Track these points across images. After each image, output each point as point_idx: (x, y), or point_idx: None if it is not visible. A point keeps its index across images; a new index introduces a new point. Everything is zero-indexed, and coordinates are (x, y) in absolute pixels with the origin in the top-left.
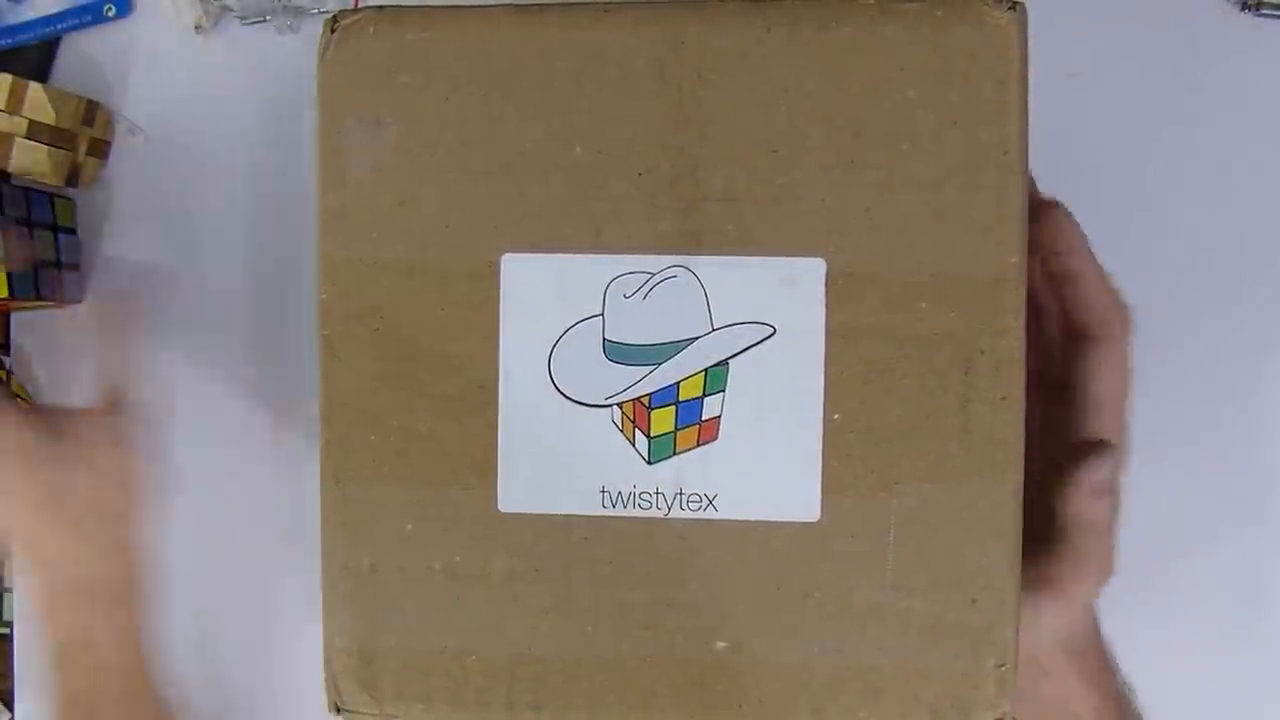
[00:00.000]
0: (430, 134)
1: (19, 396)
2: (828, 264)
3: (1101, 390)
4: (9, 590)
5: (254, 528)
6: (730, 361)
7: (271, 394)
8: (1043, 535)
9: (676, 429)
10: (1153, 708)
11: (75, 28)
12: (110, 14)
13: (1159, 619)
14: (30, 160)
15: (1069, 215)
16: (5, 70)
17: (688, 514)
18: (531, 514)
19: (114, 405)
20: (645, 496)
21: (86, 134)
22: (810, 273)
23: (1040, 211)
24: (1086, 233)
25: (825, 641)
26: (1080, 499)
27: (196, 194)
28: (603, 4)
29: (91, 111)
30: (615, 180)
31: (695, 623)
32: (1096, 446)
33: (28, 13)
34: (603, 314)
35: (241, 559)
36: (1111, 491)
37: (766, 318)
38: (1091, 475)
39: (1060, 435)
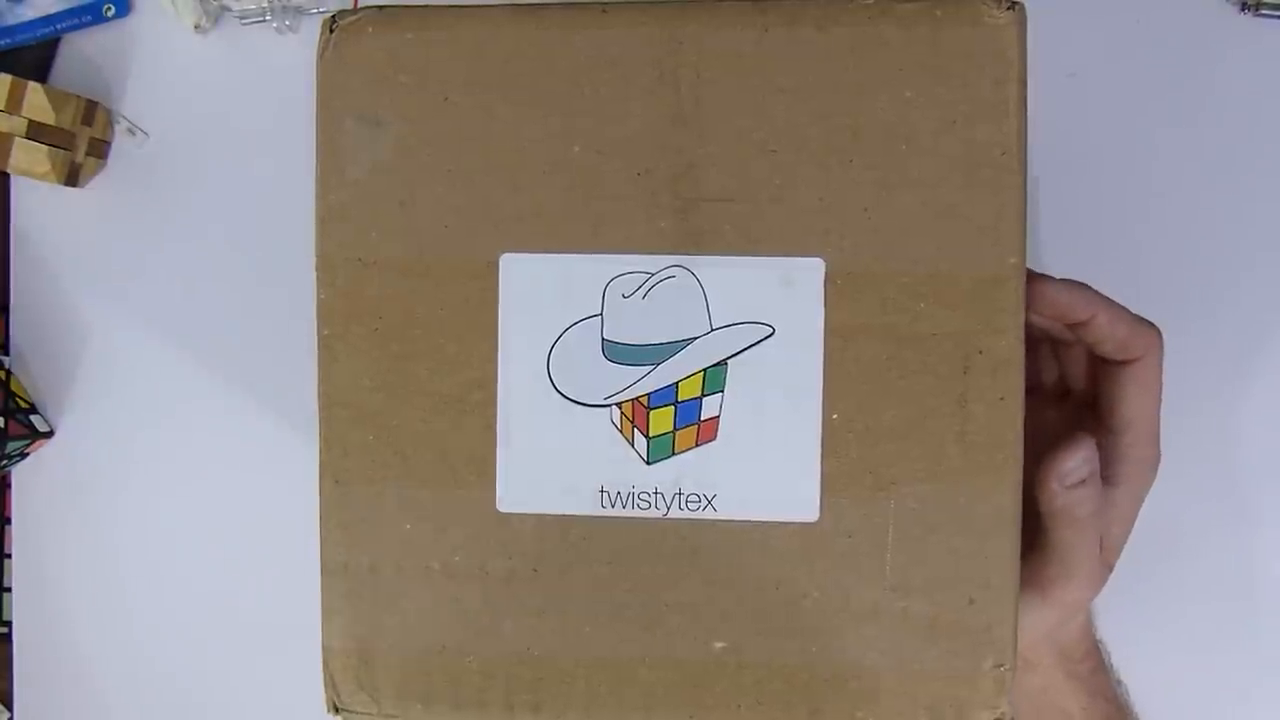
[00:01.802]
0: (429, 134)
1: (18, 396)
2: (826, 264)
3: (1131, 410)
4: (9, 590)
5: (252, 527)
6: (729, 361)
7: (270, 394)
8: (1035, 538)
9: (675, 429)
10: (1147, 708)
11: (75, 28)
12: (110, 14)
13: (1153, 619)
14: (30, 160)
15: (1055, 280)
16: (5, 70)
17: (686, 514)
18: (530, 514)
19: None
20: (644, 497)
21: (86, 134)
22: (809, 272)
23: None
24: (1090, 281)
25: (823, 642)
26: (1052, 487)
27: (196, 194)
28: (601, 4)
29: (91, 111)
30: (614, 180)
31: (694, 623)
32: (1070, 438)
33: (27, 13)
34: (601, 314)
35: (240, 558)
36: (1088, 482)
37: (765, 318)
38: (1061, 464)
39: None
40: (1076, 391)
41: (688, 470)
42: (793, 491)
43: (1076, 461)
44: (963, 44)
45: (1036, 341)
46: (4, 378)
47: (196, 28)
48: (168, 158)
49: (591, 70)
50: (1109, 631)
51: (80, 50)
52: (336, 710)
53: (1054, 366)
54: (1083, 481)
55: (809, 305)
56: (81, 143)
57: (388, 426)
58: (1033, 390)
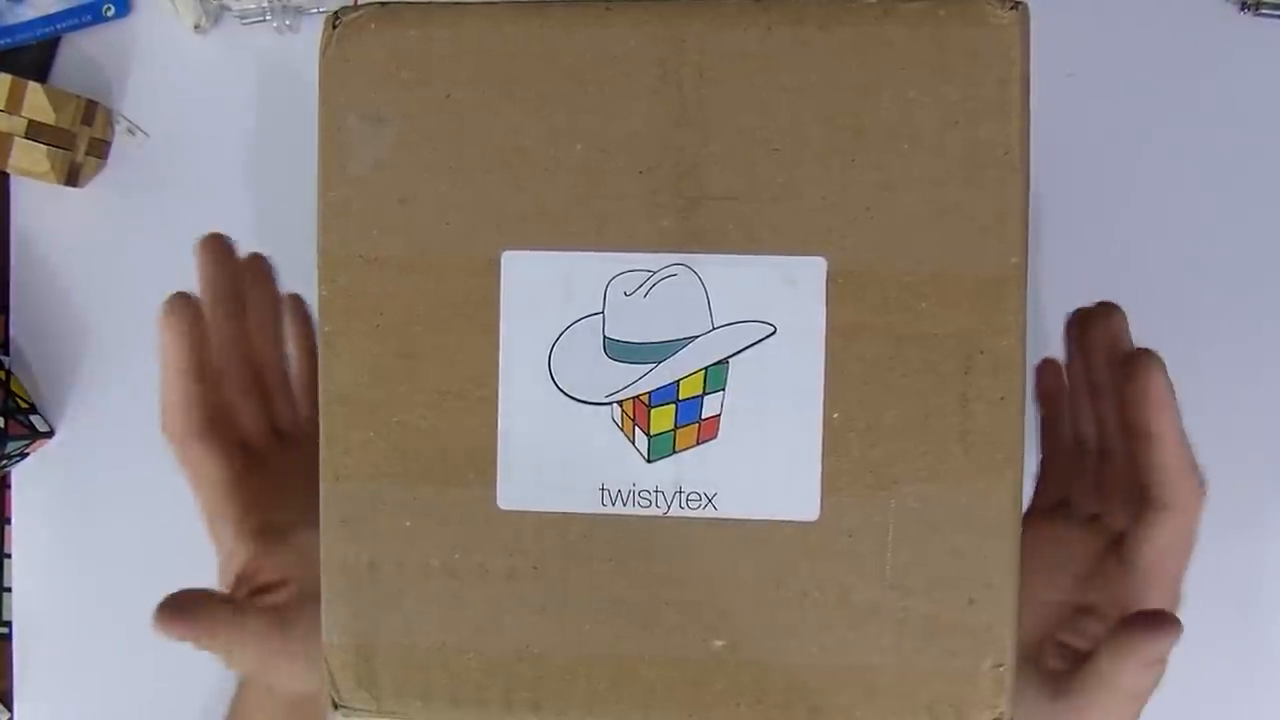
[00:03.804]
0: (431, 131)
1: (18, 396)
2: (828, 263)
3: (1157, 560)
4: (9, 590)
5: None
6: (730, 360)
7: None
8: (1066, 679)
9: (676, 427)
10: None
11: (75, 28)
12: (110, 14)
13: None
14: (30, 160)
15: (1163, 369)
16: (5, 70)
17: (687, 512)
18: (531, 512)
19: None
20: (644, 495)
21: (86, 134)
22: (811, 271)
23: (1134, 362)
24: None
25: (823, 641)
26: (1133, 669)
27: (196, 194)
28: (604, 2)
29: (91, 111)
30: (616, 178)
31: (693, 621)
32: (1159, 618)
33: (27, 13)
34: (603, 312)
35: None
36: (1162, 664)
37: (767, 316)
38: (1150, 650)
39: (1109, 588)
40: (1106, 519)
41: (688, 469)
42: (793, 490)
43: (1165, 648)
44: (966, 44)
45: (1080, 456)
46: (4, 378)
47: (196, 28)
48: (168, 158)
49: (594, 68)
50: None
51: (80, 50)
52: (336, 707)
53: (1091, 489)
54: (1160, 662)
55: (811, 304)
56: (81, 143)
57: (388, 423)
58: (1063, 504)
